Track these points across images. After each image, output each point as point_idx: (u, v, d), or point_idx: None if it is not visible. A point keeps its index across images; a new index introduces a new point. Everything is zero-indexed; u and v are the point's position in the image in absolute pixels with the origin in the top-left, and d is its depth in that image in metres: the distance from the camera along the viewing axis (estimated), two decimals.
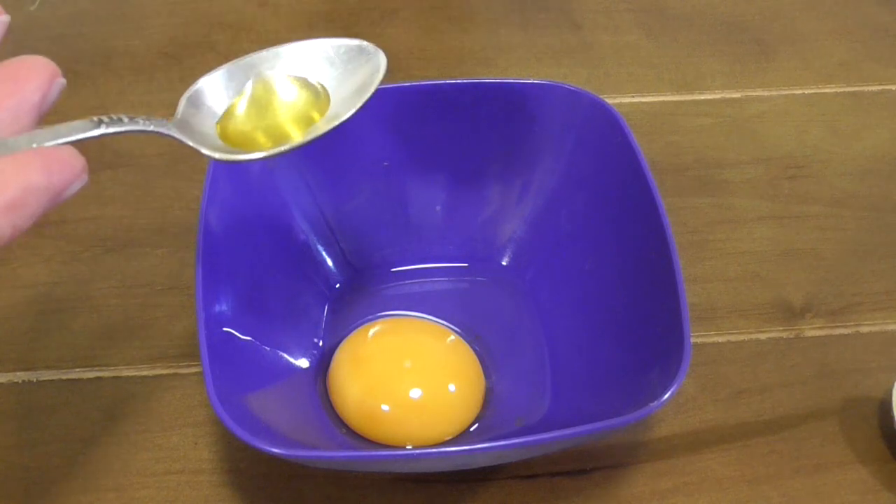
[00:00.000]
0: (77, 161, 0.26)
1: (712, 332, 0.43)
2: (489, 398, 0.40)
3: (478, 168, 0.43)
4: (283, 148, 0.31)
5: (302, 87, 0.33)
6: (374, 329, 0.41)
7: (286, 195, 0.42)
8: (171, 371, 0.41)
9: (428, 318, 0.42)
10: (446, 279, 0.44)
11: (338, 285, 0.43)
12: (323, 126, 0.32)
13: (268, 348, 0.39)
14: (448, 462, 0.35)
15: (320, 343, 0.41)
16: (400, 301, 0.43)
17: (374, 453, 0.37)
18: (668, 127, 0.52)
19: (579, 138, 0.42)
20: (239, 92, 0.33)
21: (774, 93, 0.54)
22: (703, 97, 0.54)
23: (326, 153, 0.40)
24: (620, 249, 0.40)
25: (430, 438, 0.38)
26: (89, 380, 0.41)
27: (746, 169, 0.50)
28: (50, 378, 0.41)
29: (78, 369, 0.41)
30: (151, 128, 0.30)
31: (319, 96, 0.33)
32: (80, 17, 0.57)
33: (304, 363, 0.40)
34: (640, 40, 0.57)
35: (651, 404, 0.32)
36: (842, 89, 0.54)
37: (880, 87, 0.54)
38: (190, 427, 0.39)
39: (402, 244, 0.44)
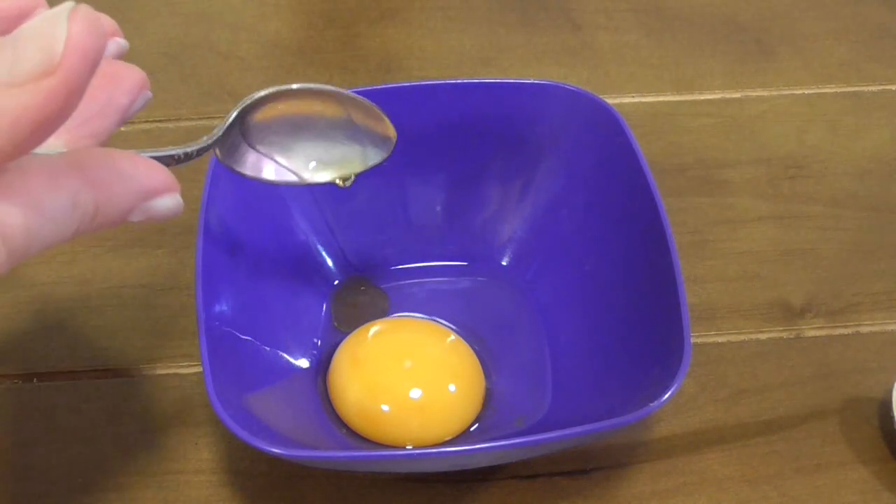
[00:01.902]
0: (167, 174, 0.27)
1: (712, 332, 0.43)
2: (489, 398, 0.40)
3: (478, 168, 0.43)
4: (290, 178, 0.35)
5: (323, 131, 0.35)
6: (374, 329, 0.41)
7: (286, 195, 0.42)
8: (171, 371, 0.41)
9: (428, 318, 0.42)
10: (446, 279, 0.44)
11: (336, 282, 0.43)
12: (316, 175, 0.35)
13: (268, 348, 0.39)
14: (448, 462, 0.35)
15: (320, 343, 0.41)
16: (400, 301, 0.43)
17: (374, 453, 0.37)
18: (668, 127, 0.52)
19: (579, 138, 0.42)
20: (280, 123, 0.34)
21: (774, 93, 0.54)
22: (703, 97, 0.54)
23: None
24: (620, 249, 0.40)
25: (430, 438, 0.38)
26: (89, 380, 0.41)
27: (746, 169, 0.50)
28: (50, 378, 0.41)
29: (78, 369, 0.41)
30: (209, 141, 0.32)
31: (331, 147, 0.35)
32: None
33: (304, 363, 0.40)
34: (640, 40, 0.57)
35: (651, 404, 0.32)
36: (842, 89, 0.54)
37: (880, 87, 0.54)
38: (190, 427, 0.39)
39: (401, 244, 0.44)
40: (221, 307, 0.36)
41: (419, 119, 0.42)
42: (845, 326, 0.44)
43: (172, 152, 0.30)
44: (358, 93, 0.42)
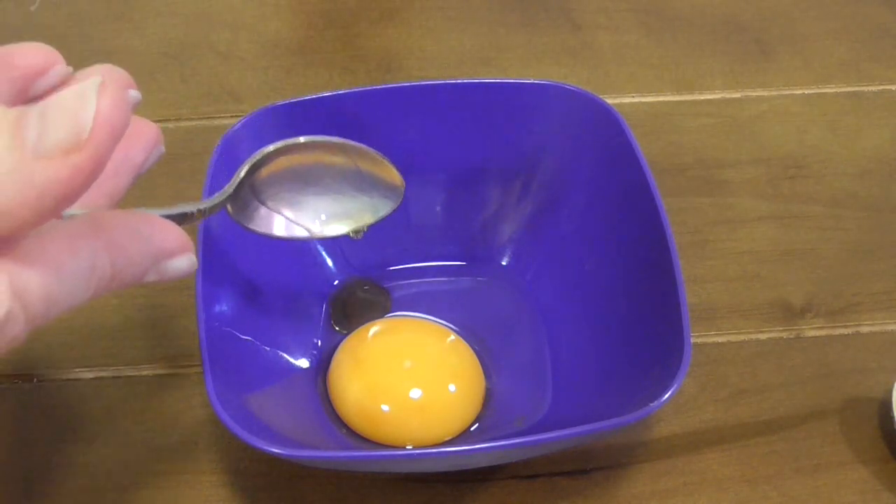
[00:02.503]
0: (181, 235, 0.28)
1: (712, 332, 0.43)
2: (489, 398, 0.40)
3: (478, 168, 0.43)
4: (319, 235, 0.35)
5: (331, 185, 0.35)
6: (374, 329, 0.41)
7: None
8: (171, 371, 0.41)
9: (428, 318, 0.42)
10: (446, 279, 0.44)
11: (336, 283, 0.43)
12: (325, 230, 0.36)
13: (268, 348, 0.39)
14: (448, 462, 0.35)
15: (320, 343, 0.41)
16: (400, 301, 0.43)
17: (374, 453, 0.37)
18: (668, 127, 0.52)
19: (579, 138, 0.42)
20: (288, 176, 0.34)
21: (774, 93, 0.54)
22: (703, 97, 0.54)
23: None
24: (620, 249, 0.40)
25: (430, 438, 0.38)
26: (89, 380, 0.41)
27: (746, 169, 0.50)
28: (50, 378, 0.41)
29: (78, 369, 0.41)
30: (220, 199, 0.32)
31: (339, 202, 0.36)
32: (80, 17, 0.57)
33: (304, 363, 0.40)
34: (640, 40, 0.57)
35: (651, 404, 0.32)
36: (842, 89, 0.54)
37: (880, 87, 0.54)
38: (190, 427, 0.39)
39: (402, 244, 0.44)
40: (221, 307, 0.36)
41: (419, 119, 0.42)
42: (845, 326, 0.44)
43: (186, 210, 0.30)
44: (358, 93, 0.42)
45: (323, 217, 0.35)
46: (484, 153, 0.43)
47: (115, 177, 0.28)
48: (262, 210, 0.34)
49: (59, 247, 0.24)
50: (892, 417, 0.39)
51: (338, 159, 0.35)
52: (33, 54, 0.27)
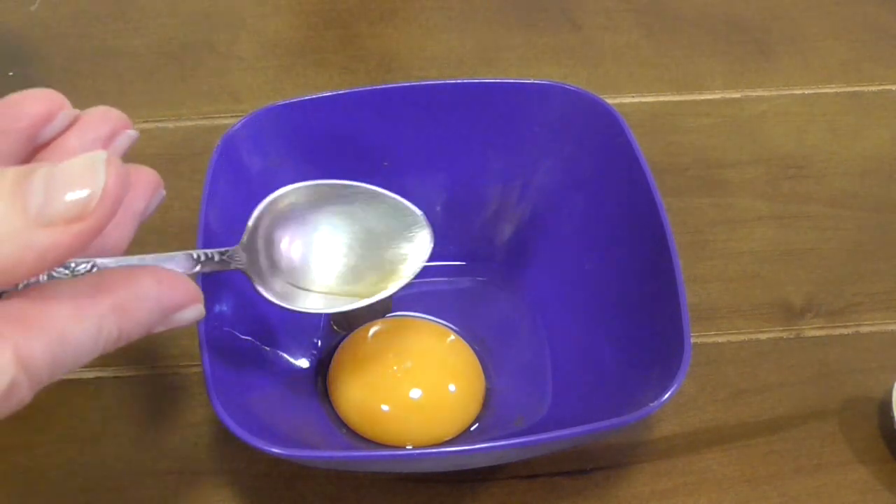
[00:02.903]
0: (189, 288, 0.27)
1: (712, 332, 0.43)
2: (489, 398, 0.40)
3: (478, 168, 0.43)
4: (339, 309, 0.34)
5: (362, 245, 0.35)
6: (374, 329, 0.41)
7: None
8: (171, 371, 0.41)
9: (428, 318, 0.42)
10: (446, 279, 0.44)
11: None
12: (374, 290, 0.34)
13: (268, 348, 0.39)
14: (448, 462, 0.35)
15: (320, 343, 0.41)
16: (400, 301, 0.43)
17: (374, 453, 0.37)
18: (668, 127, 0.52)
19: (579, 138, 0.42)
20: (300, 233, 0.34)
21: (774, 93, 0.54)
22: (703, 97, 0.54)
23: (326, 153, 0.40)
24: (620, 249, 0.40)
25: (430, 438, 0.38)
26: (89, 380, 0.41)
27: (746, 169, 0.50)
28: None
29: (78, 369, 0.41)
30: (233, 266, 0.32)
31: (377, 255, 0.35)
32: (80, 17, 0.57)
33: (304, 363, 0.40)
34: (640, 40, 0.57)
35: (651, 404, 0.32)
36: (842, 89, 0.54)
37: (880, 87, 0.54)
38: (190, 427, 0.39)
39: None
40: (221, 307, 0.36)
41: (419, 119, 0.42)
42: (845, 326, 0.44)
43: (195, 269, 0.31)
44: (358, 93, 0.42)
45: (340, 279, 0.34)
46: (484, 153, 0.43)
47: (118, 229, 0.28)
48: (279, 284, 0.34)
49: (65, 314, 0.24)
50: (892, 417, 0.39)
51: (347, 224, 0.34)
52: (39, 102, 0.27)
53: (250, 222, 0.33)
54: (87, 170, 0.23)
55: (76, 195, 0.22)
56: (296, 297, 0.33)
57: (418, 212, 0.35)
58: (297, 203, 0.34)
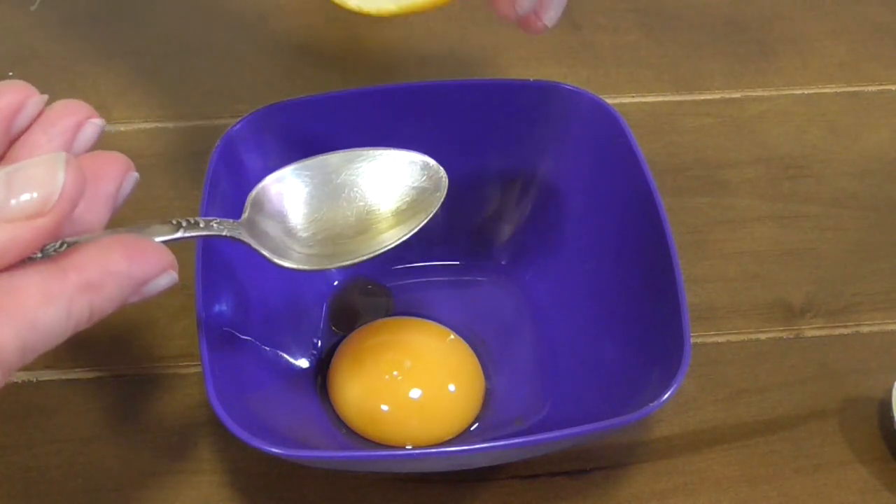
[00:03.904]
0: (163, 255, 0.27)
1: (712, 332, 0.43)
2: (489, 398, 0.40)
3: (478, 168, 0.43)
4: (343, 263, 0.33)
5: (363, 199, 0.34)
6: (374, 329, 0.41)
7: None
8: (171, 371, 0.41)
9: (428, 319, 0.42)
10: (446, 279, 0.44)
11: (336, 283, 0.43)
12: (380, 244, 0.33)
13: (268, 348, 0.39)
14: (448, 462, 0.35)
15: (320, 343, 0.41)
16: (400, 301, 0.43)
17: (374, 453, 0.37)
18: (668, 127, 0.52)
19: (579, 138, 0.42)
20: (303, 192, 0.34)
21: (774, 93, 0.54)
22: (703, 97, 0.54)
23: (327, 152, 0.40)
24: (620, 249, 0.40)
25: (430, 438, 0.38)
26: (89, 380, 0.41)
27: (746, 169, 0.50)
28: (50, 378, 0.41)
29: (78, 369, 0.41)
30: (225, 232, 0.31)
31: (379, 210, 0.34)
32: (80, 17, 0.57)
33: (304, 363, 0.40)
34: (640, 40, 0.57)
35: (651, 404, 0.32)
36: (842, 89, 0.54)
37: (880, 87, 0.54)
38: (190, 427, 0.39)
39: (402, 244, 0.44)
40: (221, 307, 0.36)
41: (419, 119, 0.42)
42: (845, 326, 0.44)
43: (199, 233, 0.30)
44: (358, 93, 0.42)
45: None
46: (484, 153, 0.43)
47: (89, 213, 0.28)
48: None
49: (34, 299, 0.24)
50: (892, 417, 0.39)
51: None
52: (8, 94, 0.28)
53: (252, 194, 0.33)
54: (47, 170, 0.24)
55: (37, 194, 0.24)
56: (303, 260, 0.33)
57: (429, 161, 0.34)
58: (303, 174, 0.34)
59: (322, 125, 0.41)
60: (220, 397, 0.32)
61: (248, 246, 0.32)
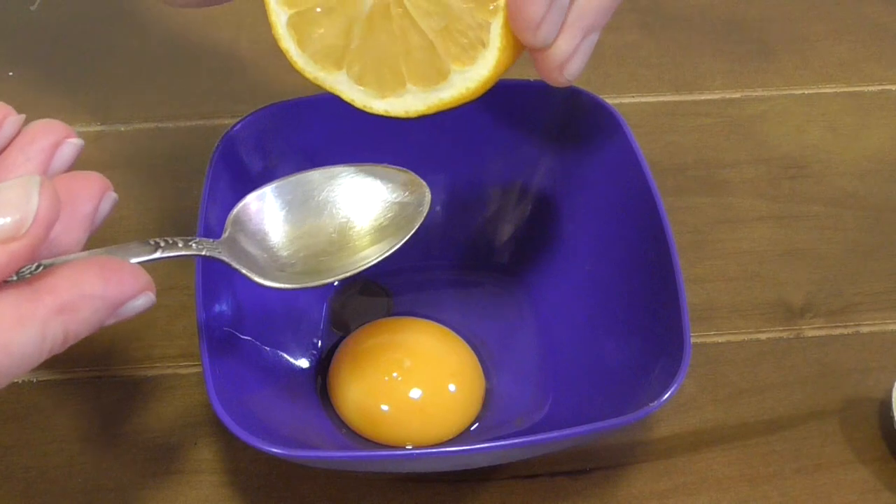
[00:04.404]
0: (139, 277, 0.27)
1: (712, 332, 0.43)
2: (489, 398, 0.40)
3: (478, 168, 0.43)
4: (324, 281, 0.32)
5: (345, 215, 0.33)
6: (374, 329, 0.41)
7: None
8: (171, 371, 0.41)
9: (428, 319, 0.42)
10: (446, 279, 0.44)
11: (336, 283, 0.43)
12: (362, 260, 0.32)
13: (268, 348, 0.39)
14: (448, 462, 0.36)
15: (320, 343, 0.41)
16: (400, 301, 0.43)
17: (374, 453, 0.37)
18: (668, 127, 0.52)
19: (579, 138, 0.42)
20: (284, 210, 0.33)
21: (774, 93, 0.54)
22: (703, 97, 0.54)
23: (327, 153, 0.40)
24: (620, 249, 0.40)
25: (430, 438, 0.38)
26: (89, 380, 0.41)
27: (746, 169, 0.50)
28: (50, 378, 0.41)
29: (78, 369, 0.41)
30: (205, 252, 0.31)
31: (361, 226, 0.33)
32: (80, 17, 0.57)
33: (304, 363, 0.40)
34: (640, 40, 0.57)
35: (651, 404, 0.32)
36: (842, 89, 0.54)
37: (880, 87, 0.54)
38: (190, 427, 0.39)
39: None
40: (221, 307, 0.36)
41: (419, 119, 0.42)
42: (845, 326, 0.44)
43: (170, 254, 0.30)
44: None
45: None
46: (484, 153, 0.43)
47: (66, 234, 0.28)
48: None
49: (6, 321, 0.24)
50: (892, 417, 0.39)
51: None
52: None
53: (232, 213, 0.33)
54: (21, 194, 0.24)
55: (9, 218, 0.24)
56: (285, 278, 0.32)
57: (412, 176, 0.33)
58: (284, 191, 0.33)
59: (322, 125, 0.41)
60: (220, 397, 0.32)
61: (228, 265, 0.31)
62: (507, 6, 0.29)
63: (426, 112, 0.31)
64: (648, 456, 0.39)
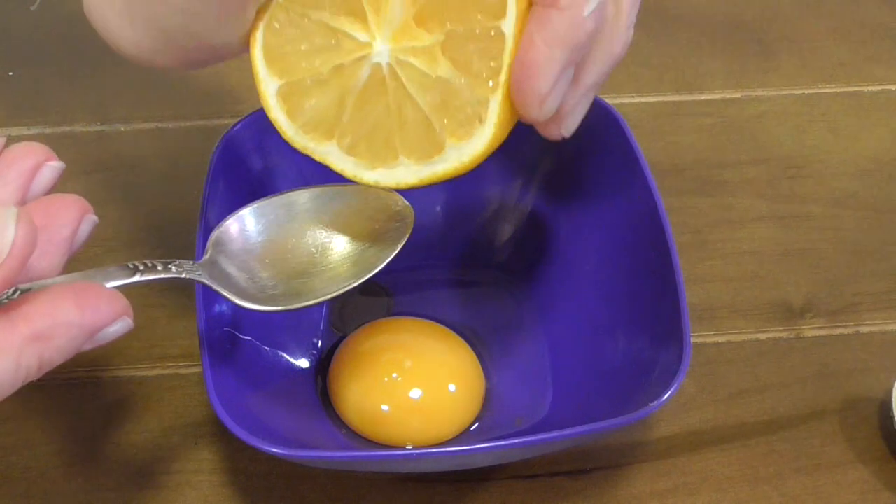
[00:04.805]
0: (115, 303, 0.27)
1: (712, 332, 0.43)
2: (489, 398, 0.40)
3: (478, 168, 0.43)
4: (306, 303, 0.32)
5: (327, 236, 0.33)
6: (374, 329, 0.41)
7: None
8: (171, 371, 0.41)
9: (428, 319, 0.42)
10: (446, 279, 0.44)
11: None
12: (344, 282, 0.32)
13: (268, 348, 0.39)
14: (448, 462, 0.35)
15: (320, 343, 0.41)
16: (400, 301, 0.43)
17: (374, 453, 0.37)
18: (668, 127, 0.52)
19: (579, 138, 0.41)
20: (265, 231, 0.33)
21: (774, 93, 0.54)
22: (703, 97, 0.54)
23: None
24: (620, 249, 0.40)
25: (430, 438, 0.38)
26: (89, 380, 0.41)
27: (746, 169, 0.50)
28: (50, 378, 0.41)
29: (79, 369, 0.41)
30: (184, 275, 0.30)
31: (344, 247, 0.33)
32: (80, 17, 0.56)
33: (304, 363, 0.40)
34: (640, 40, 0.56)
35: (651, 404, 0.32)
36: (842, 89, 0.54)
37: (880, 87, 0.54)
38: (190, 427, 0.39)
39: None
40: (221, 307, 0.36)
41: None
42: (845, 326, 0.44)
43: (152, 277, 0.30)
44: None
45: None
46: None
47: (45, 257, 0.28)
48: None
49: None
50: (892, 417, 0.39)
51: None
52: None
53: (212, 235, 0.32)
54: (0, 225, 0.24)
55: None
56: (266, 301, 0.32)
57: (395, 196, 0.32)
58: (265, 213, 0.33)
59: None
60: (220, 397, 0.32)
61: (209, 288, 0.31)
62: (511, 82, 0.29)
63: (417, 185, 0.31)
64: (648, 456, 0.39)
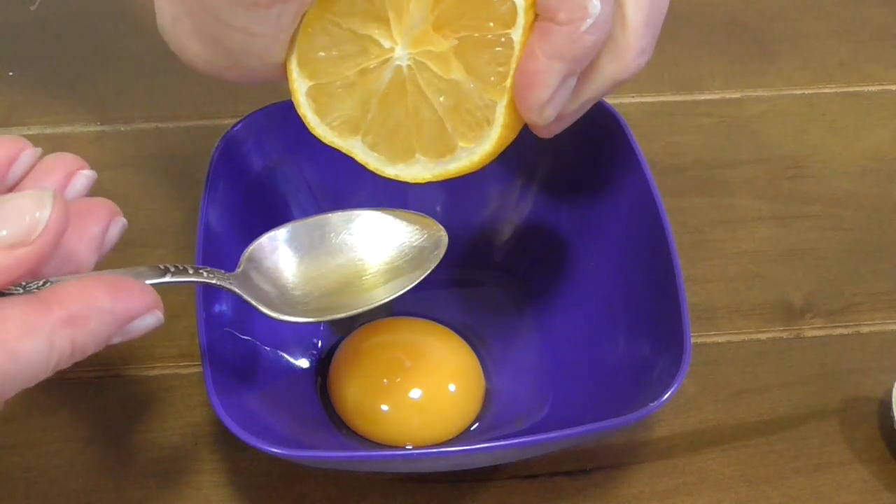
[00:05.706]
0: (147, 295, 0.28)
1: (712, 332, 0.43)
2: (489, 398, 0.40)
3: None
4: (334, 316, 0.33)
5: (361, 258, 0.35)
6: (373, 329, 0.41)
7: (286, 195, 0.42)
8: (171, 371, 0.41)
9: (428, 319, 0.42)
10: (446, 279, 0.44)
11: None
12: (374, 298, 0.34)
13: (268, 348, 0.39)
14: (448, 462, 0.36)
15: (320, 343, 0.41)
16: (400, 301, 0.43)
17: (374, 453, 0.37)
18: (668, 127, 0.52)
19: (579, 138, 0.41)
20: (300, 252, 0.34)
21: (774, 93, 0.54)
22: (703, 97, 0.54)
23: (326, 152, 0.40)
24: (620, 249, 0.40)
25: (430, 438, 0.38)
26: (89, 380, 0.41)
27: (746, 169, 0.50)
28: (50, 378, 0.41)
29: (78, 369, 0.41)
30: (214, 281, 0.32)
31: (377, 268, 0.35)
32: (80, 17, 0.57)
33: (304, 363, 0.40)
34: None
35: (651, 404, 0.32)
36: (842, 89, 0.54)
37: (880, 87, 0.54)
38: (190, 427, 0.39)
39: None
40: (221, 307, 0.36)
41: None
42: (845, 326, 0.44)
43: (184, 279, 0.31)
44: None
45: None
46: None
47: (76, 254, 0.29)
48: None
49: (14, 330, 0.24)
50: (893, 417, 0.39)
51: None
52: (3, 146, 0.29)
53: (247, 250, 0.33)
54: (34, 202, 0.25)
55: (23, 223, 0.25)
56: (296, 313, 0.33)
57: (428, 220, 0.35)
58: (300, 233, 0.34)
59: None
60: (220, 397, 0.32)
61: (241, 298, 0.32)
62: (514, 89, 0.30)
63: (432, 180, 0.33)
64: (648, 456, 0.39)
